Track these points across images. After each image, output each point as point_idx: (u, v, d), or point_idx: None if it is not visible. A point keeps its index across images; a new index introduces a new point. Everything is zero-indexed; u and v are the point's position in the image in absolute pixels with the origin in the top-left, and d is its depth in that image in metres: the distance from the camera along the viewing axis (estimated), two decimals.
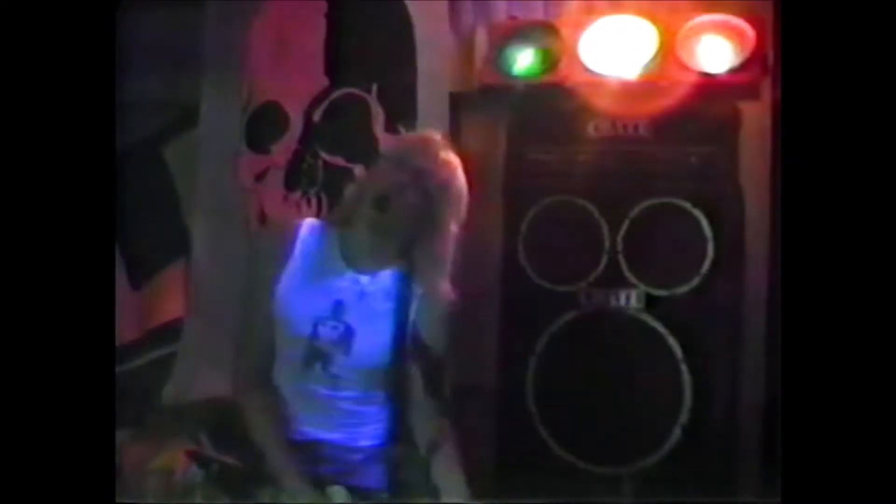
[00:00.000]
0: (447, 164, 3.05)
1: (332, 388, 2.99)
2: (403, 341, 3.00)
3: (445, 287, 3.04)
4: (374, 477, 3.03)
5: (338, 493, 2.96)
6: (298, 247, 3.03)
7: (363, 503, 2.99)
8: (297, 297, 2.99)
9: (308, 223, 3.10)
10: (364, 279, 3.01)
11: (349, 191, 3.26)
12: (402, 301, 3.01)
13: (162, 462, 3.98)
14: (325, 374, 2.98)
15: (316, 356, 2.98)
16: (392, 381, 3.01)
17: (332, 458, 3.01)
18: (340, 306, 2.99)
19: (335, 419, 3.01)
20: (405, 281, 3.02)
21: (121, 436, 3.95)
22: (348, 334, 2.98)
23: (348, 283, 3.01)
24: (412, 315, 3.01)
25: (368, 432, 3.04)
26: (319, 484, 2.96)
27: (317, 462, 3.00)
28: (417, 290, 3.02)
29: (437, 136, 3.13)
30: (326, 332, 2.98)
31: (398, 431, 3.04)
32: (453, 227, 3.06)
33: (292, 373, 3.01)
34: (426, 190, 2.98)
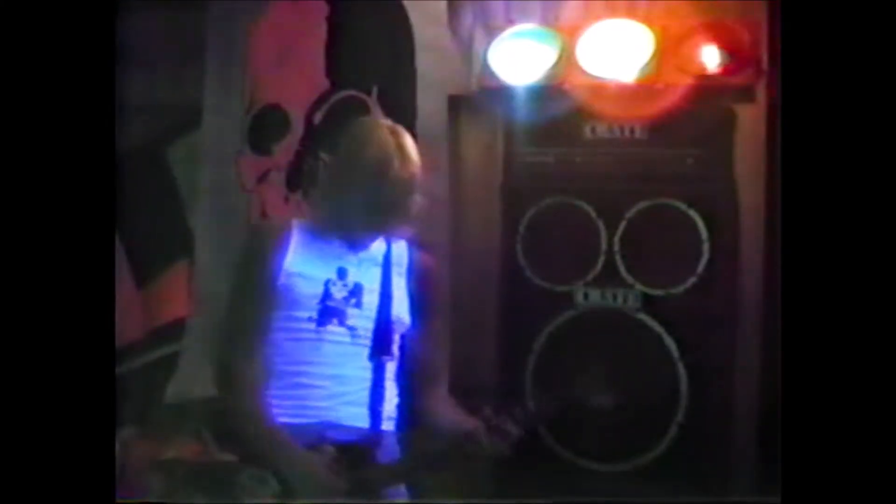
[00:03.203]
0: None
1: (352, 339, 3.12)
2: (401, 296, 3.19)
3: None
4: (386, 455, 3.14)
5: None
6: (296, 234, 3.18)
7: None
8: (303, 268, 3.13)
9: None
10: (360, 251, 3.18)
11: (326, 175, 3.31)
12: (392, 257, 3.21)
13: (165, 459, 4.00)
14: (342, 327, 3.12)
15: (330, 314, 3.12)
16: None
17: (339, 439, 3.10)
18: (344, 271, 3.15)
19: (358, 375, 3.13)
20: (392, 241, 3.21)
21: (124, 433, 4.01)
22: (357, 289, 3.15)
23: (346, 254, 3.17)
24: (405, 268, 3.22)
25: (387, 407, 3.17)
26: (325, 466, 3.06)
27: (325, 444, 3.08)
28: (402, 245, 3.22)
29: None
30: (337, 290, 3.13)
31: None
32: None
33: (308, 337, 3.11)
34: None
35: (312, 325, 3.11)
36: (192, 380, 4.80)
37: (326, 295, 3.13)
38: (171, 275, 5.22)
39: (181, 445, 4.07)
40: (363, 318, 3.14)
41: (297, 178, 4.74)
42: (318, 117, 4.71)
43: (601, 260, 4.09)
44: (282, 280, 3.12)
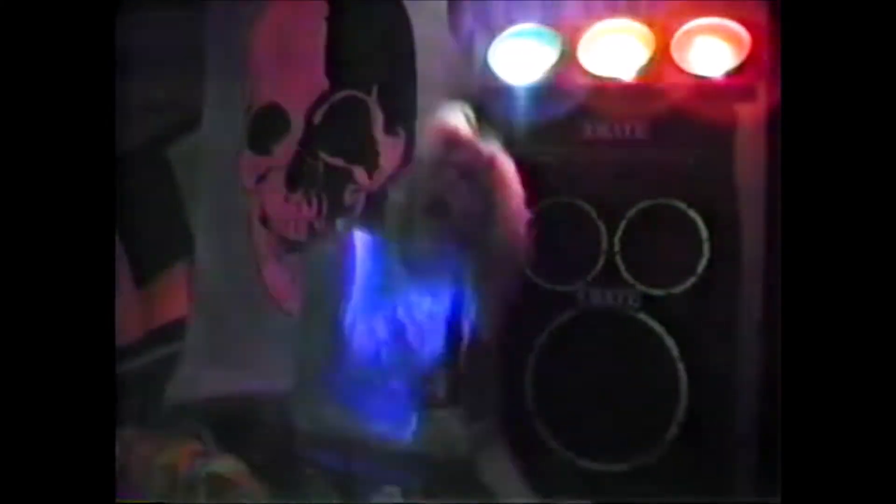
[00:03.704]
0: (480, 144, 3.09)
1: (389, 397, 3.05)
2: (459, 345, 3.08)
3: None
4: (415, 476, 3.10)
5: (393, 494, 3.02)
6: (357, 264, 3.04)
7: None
8: (360, 321, 3.01)
9: (360, 237, 3.10)
10: (427, 298, 3.05)
11: (394, 198, 3.21)
12: (460, 307, 3.08)
13: (166, 459, 4.01)
14: (384, 387, 3.04)
15: (376, 376, 3.04)
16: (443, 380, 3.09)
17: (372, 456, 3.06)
18: (402, 330, 3.04)
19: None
20: (465, 286, 3.07)
21: (125, 434, 4.01)
22: (408, 353, 3.06)
23: (412, 302, 3.04)
24: (471, 316, 3.09)
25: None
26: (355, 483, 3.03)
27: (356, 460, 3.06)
28: (479, 290, 3.06)
29: (455, 121, 3.15)
30: (388, 356, 3.04)
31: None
32: (515, 205, 3.05)
33: (349, 385, 3.04)
34: (476, 179, 2.99)
35: (357, 385, 3.03)
36: (193, 380, 4.81)
37: (377, 357, 3.01)
38: (171, 275, 5.22)
39: (182, 446, 4.07)
40: (408, 373, 3.03)
41: (296, 177, 4.75)
42: (318, 117, 4.71)
43: (601, 260, 4.08)
44: (344, 324, 2.97)
